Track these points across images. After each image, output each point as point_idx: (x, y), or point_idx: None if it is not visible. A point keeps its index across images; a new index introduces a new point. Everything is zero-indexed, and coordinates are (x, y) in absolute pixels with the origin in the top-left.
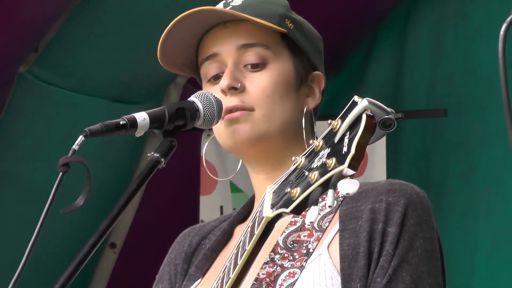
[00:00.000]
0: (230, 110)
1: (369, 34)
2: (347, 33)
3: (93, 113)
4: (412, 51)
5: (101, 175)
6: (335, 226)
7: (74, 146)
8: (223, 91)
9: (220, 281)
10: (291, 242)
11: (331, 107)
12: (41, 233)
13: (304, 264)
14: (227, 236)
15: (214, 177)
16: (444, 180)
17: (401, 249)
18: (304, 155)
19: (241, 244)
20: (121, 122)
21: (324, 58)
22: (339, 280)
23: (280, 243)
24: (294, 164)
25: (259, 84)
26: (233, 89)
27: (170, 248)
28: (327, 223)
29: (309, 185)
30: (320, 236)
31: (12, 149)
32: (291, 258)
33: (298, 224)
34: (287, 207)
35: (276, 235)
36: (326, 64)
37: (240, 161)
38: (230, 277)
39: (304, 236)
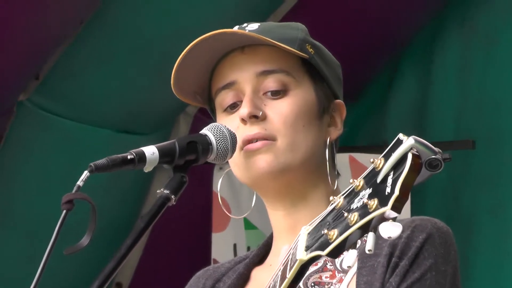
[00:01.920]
0: (251, 140)
1: (392, 61)
2: (368, 59)
3: (97, 144)
4: (438, 79)
5: (106, 211)
6: (355, 265)
7: (78, 182)
8: (243, 120)
9: None
10: (312, 284)
11: (351, 139)
12: (43, 273)
13: None
14: (243, 279)
15: (229, 214)
16: (473, 217)
17: (408, 281)
18: (342, 195)
19: None
20: (128, 157)
21: (344, 86)
22: None
23: (301, 285)
24: (332, 204)
25: (281, 111)
26: (254, 118)
27: None
28: None
29: (348, 227)
30: (343, 277)
31: (11, 183)
32: None
33: (319, 265)
34: (323, 249)
35: None
36: (346, 93)
37: (254, 195)
38: None
39: (326, 277)
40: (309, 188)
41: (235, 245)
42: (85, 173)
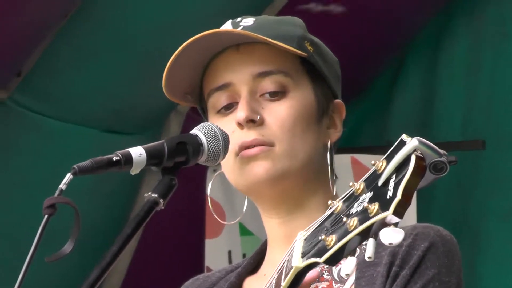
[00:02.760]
0: (247, 146)
1: (396, 57)
2: (371, 55)
3: (82, 145)
4: (445, 76)
5: (92, 216)
6: (354, 275)
7: (61, 186)
8: (239, 124)
9: None
10: None
11: (352, 139)
12: (24, 282)
13: None
14: None
15: (220, 220)
16: (482, 222)
17: None
18: (342, 199)
19: None
20: (114, 158)
21: (345, 84)
22: None
23: None
24: (330, 208)
25: (279, 116)
26: (251, 122)
27: None
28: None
29: (347, 232)
30: (341, 287)
31: None
32: None
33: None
34: (320, 256)
35: None
36: (348, 91)
37: (246, 199)
38: None
39: (322, 287)
40: (308, 195)
41: (229, 252)
42: (68, 176)
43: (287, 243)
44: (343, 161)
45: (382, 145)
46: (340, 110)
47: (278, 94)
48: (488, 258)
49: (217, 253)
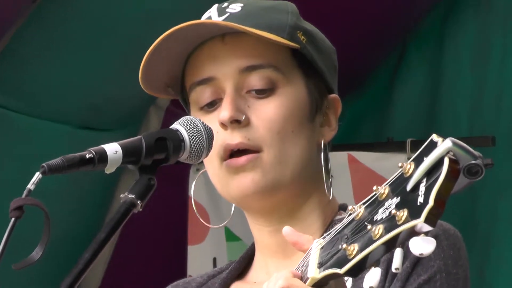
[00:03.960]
0: (232, 149)
1: (398, 45)
2: (371, 44)
3: (53, 142)
4: (450, 67)
5: (63, 220)
6: (351, 279)
7: (29, 186)
8: (223, 124)
9: None
10: None
11: (350, 135)
12: None
13: None
14: None
15: (206, 223)
16: (493, 225)
17: (413, 285)
18: (363, 204)
19: None
20: (87, 156)
21: (342, 75)
22: None
23: None
24: (350, 214)
25: (267, 116)
26: (235, 123)
27: None
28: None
29: (371, 241)
30: None
31: None
32: None
33: None
34: (340, 267)
35: None
36: (346, 83)
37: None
38: None
39: None
40: (301, 202)
41: (214, 260)
42: (37, 175)
43: (280, 251)
44: (339, 159)
45: (382, 142)
46: (336, 105)
47: (266, 92)
48: (499, 265)
49: (200, 260)
